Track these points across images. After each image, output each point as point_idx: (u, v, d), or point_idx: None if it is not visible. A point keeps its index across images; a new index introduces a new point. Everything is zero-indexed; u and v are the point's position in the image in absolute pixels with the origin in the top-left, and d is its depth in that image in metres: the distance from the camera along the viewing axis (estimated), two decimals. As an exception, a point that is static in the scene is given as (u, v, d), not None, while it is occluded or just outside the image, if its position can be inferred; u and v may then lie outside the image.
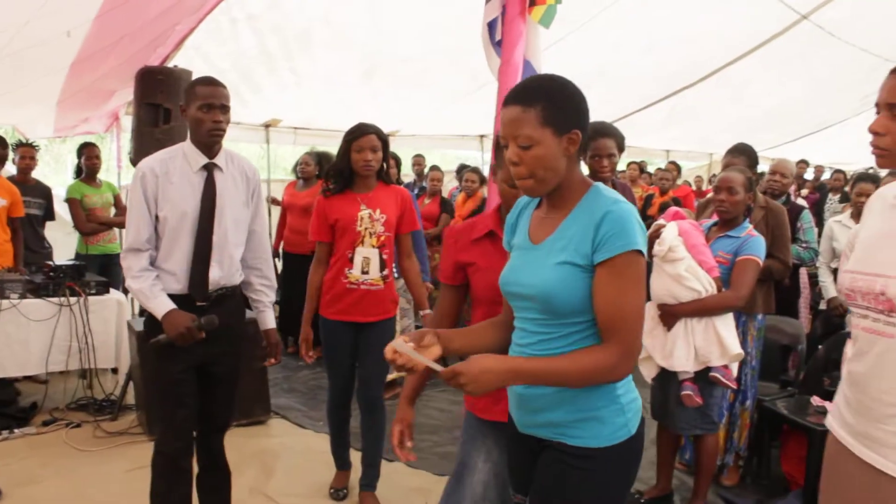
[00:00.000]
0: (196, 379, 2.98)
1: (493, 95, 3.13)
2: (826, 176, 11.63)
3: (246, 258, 3.09)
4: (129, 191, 2.87)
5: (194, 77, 4.86)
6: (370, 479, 3.77)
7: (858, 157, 12.66)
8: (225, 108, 2.80)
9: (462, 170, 7.80)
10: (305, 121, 8.37)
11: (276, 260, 6.97)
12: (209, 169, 2.86)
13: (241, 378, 4.65)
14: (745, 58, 8.59)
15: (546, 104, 1.70)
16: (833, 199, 9.40)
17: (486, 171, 5.97)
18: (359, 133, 3.45)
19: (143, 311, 5.68)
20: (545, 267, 1.77)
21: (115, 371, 5.26)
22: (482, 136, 10.21)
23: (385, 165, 3.58)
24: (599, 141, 3.45)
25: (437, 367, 1.69)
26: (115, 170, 7.26)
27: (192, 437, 3.03)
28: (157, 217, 2.83)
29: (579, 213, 1.77)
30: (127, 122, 6.49)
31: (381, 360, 3.66)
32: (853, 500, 1.80)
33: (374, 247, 3.50)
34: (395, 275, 3.84)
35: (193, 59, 5.52)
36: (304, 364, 6.34)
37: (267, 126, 8.21)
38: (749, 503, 3.79)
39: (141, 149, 4.74)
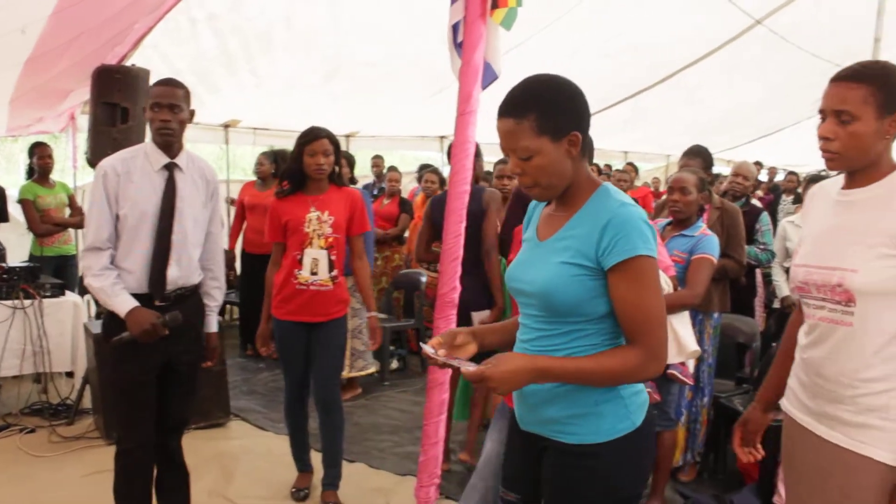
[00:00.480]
0: (156, 379, 2.98)
1: (453, 97, 3.14)
2: (780, 177, 11.86)
3: (200, 259, 3.10)
4: (91, 189, 2.88)
5: (152, 76, 4.86)
6: (332, 478, 3.80)
7: (811, 159, 12.95)
8: (174, 108, 2.83)
9: (423, 170, 7.81)
10: (265, 121, 8.31)
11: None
12: (170, 169, 2.90)
13: (200, 380, 4.68)
14: (702, 62, 8.74)
15: (538, 113, 1.69)
16: (787, 201, 9.60)
17: (446, 172, 5.99)
18: (311, 137, 3.54)
19: (99, 314, 5.63)
20: (547, 265, 1.77)
21: (70, 375, 5.18)
22: (442, 138, 10.22)
23: (337, 168, 3.67)
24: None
25: (467, 368, 1.66)
26: (71, 170, 7.13)
27: (152, 437, 3.00)
28: (116, 216, 2.85)
29: (585, 213, 1.76)
30: (83, 121, 6.39)
31: (334, 360, 3.74)
32: (815, 476, 1.92)
33: (322, 248, 3.57)
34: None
35: (151, 59, 5.44)
36: (263, 366, 6.31)
37: (226, 126, 8.13)
38: (706, 498, 3.85)
39: (98, 148, 4.66)
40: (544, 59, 7.50)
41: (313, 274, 3.56)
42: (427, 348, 1.79)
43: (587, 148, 1.80)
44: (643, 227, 1.69)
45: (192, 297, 3.05)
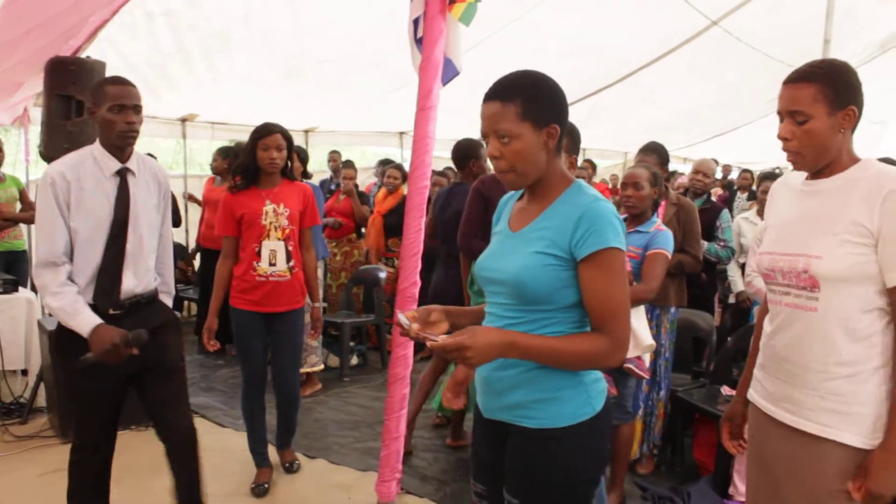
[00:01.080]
0: (122, 389, 2.86)
1: (413, 94, 3.15)
2: (734, 175, 12.07)
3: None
4: (38, 200, 2.67)
5: (107, 70, 4.78)
6: (286, 440, 4.10)
7: (765, 156, 13.23)
8: (138, 109, 2.67)
9: (384, 164, 7.79)
10: (223, 116, 8.22)
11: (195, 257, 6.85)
12: (122, 174, 2.72)
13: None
14: (659, 61, 8.88)
15: (525, 99, 1.75)
16: (741, 198, 9.77)
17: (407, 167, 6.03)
18: (264, 132, 3.64)
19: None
20: (521, 254, 1.82)
21: (24, 373, 5.09)
22: (402, 133, 10.22)
23: (289, 163, 3.79)
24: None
25: (440, 341, 1.68)
26: (23, 164, 6.98)
27: (104, 441, 2.93)
28: (69, 227, 2.67)
29: (559, 206, 1.82)
30: (36, 113, 6.27)
31: (294, 351, 3.80)
32: (785, 464, 1.99)
33: (279, 240, 3.68)
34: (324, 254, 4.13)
35: (107, 53, 5.35)
36: (223, 362, 6.26)
37: (183, 121, 8.03)
38: (663, 490, 3.92)
39: (51, 142, 4.58)
40: (505, 57, 7.51)
41: (272, 265, 3.66)
42: (402, 318, 1.81)
43: (575, 144, 1.85)
44: (615, 222, 1.75)
45: (149, 304, 2.88)
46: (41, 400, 4.83)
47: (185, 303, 7.48)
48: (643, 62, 8.93)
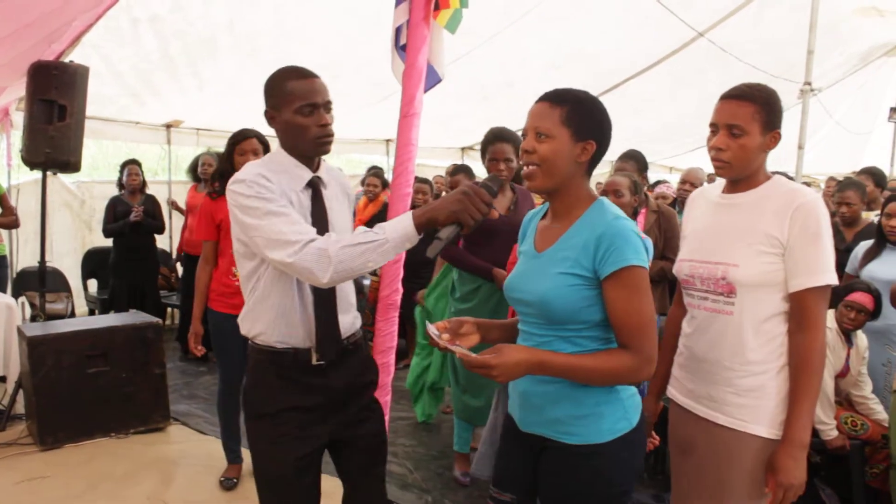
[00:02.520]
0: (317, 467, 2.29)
1: (399, 101, 3.14)
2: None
3: None
4: (246, 201, 2.02)
5: (91, 76, 4.75)
6: None
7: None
8: (329, 106, 2.17)
9: (369, 172, 7.78)
10: (208, 122, 8.20)
11: (178, 264, 6.81)
12: (314, 185, 2.21)
13: (139, 385, 4.60)
14: (646, 72, 8.94)
15: (572, 107, 1.83)
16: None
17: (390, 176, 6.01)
18: (241, 137, 3.68)
19: (34, 317, 5.47)
20: (546, 276, 1.86)
21: (3, 379, 5.03)
22: (388, 141, 10.22)
23: None
24: (497, 145, 3.59)
25: (468, 355, 1.71)
26: (5, 168, 6.93)
27: None
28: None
29: (582, 225, 1.86)
30: (18, 118, 6.21)
31: None
32: (702, 454, 2.17)
33: None
34: None
35: (91, 58, 5.32)
36: (205, 369, 6.22)
37: (168, 126, 7.99)
38: (646, 497, 3.92)
39: (33, 147, 4.56)
40: (492, 68, 7.59)
41: None
42: (431, 329, 1.83)
43: (594, 164, 1.88)
44: (636, 240, 1.79)
45: (360, 350, 2.33)
46: (19, 407, 4.77)
47: (169, 310, 7.42)
48: (629, 73, 8.99)
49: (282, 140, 2.22)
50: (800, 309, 2.01)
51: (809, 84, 6.72)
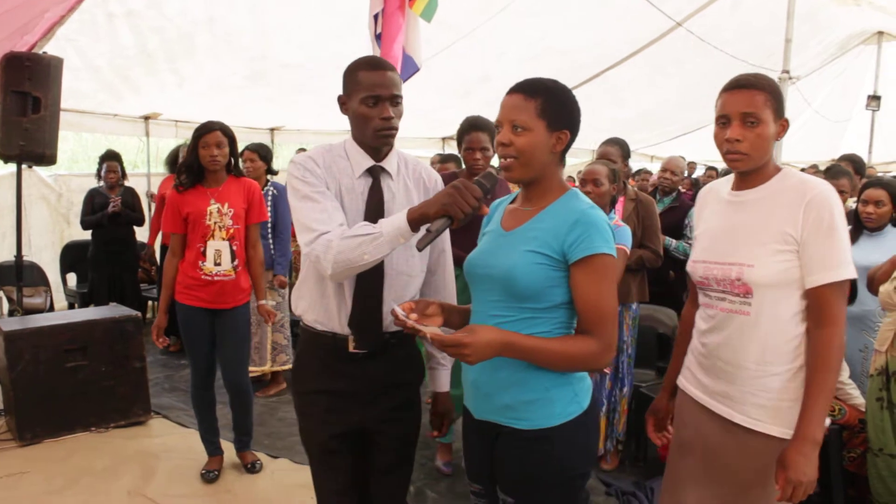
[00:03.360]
0: (351, 451, 2.33)
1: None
2: (699, 172, 12.20)
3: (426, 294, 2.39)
4: (290, 181, 2.16)
5: (66, 71, 4.70)
6: (245, 442, 4.09)
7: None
8: (397, 100, 2.16)
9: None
10: (187, 114, 8.13)
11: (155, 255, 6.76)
12: (374, 173, 2.22)
13: (119, 379, 4.58)
14: (625, 62, 8.95)
15: (546, 99, 1.85)
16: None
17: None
18: (204, 130, 3.70)
19: (12, 311, 5.42)
20: (514, 252, 1.88)
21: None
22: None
23: (233, 159, 3.83)
24: (473, 134, 3.58)
25: (441, 335, 1.71)
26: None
27: None
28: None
29: (554, 210, 1.89)
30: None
31: (240, 346, 3.84)
32: (709, 450, 2.13)
33: (223, 239, 3.74)
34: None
35: (66, 51, 5.27)
36: (185, 363, 6.18)
37: (146, 118, 7.92)
38: (627, 485, 3.94)
39: (7, 140, 4.50)
40: (470, 62, 7.58)
41: (217, 265, 3.72)
42: (398, 310, 1.82)
43: (565, 152, 1.91)
44: (607, 229, 1.83)
45: (403, 346, 2.28)
46: (-2, 402, 4.74)
47: (149, 303, 7.37)
48: (608, 64, 9.01)
49: (351, 126, 2.24)
50: (818, 305, 1.97)
51: (788, 72, 6.75)
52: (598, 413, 2.01)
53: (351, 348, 2.19)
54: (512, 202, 2.06)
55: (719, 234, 2.15)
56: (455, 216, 1.86)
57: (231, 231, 3.75)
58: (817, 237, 1.93)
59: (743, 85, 2.04)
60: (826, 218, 1.92)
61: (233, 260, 3.76)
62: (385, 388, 2.25)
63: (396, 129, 2.17)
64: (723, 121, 2.07)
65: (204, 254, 3.70)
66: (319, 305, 2.21)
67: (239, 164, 3.95)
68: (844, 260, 1.93)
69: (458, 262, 3.62)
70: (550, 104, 1.85)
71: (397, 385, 2.28)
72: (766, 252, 1.99)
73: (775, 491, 1.98)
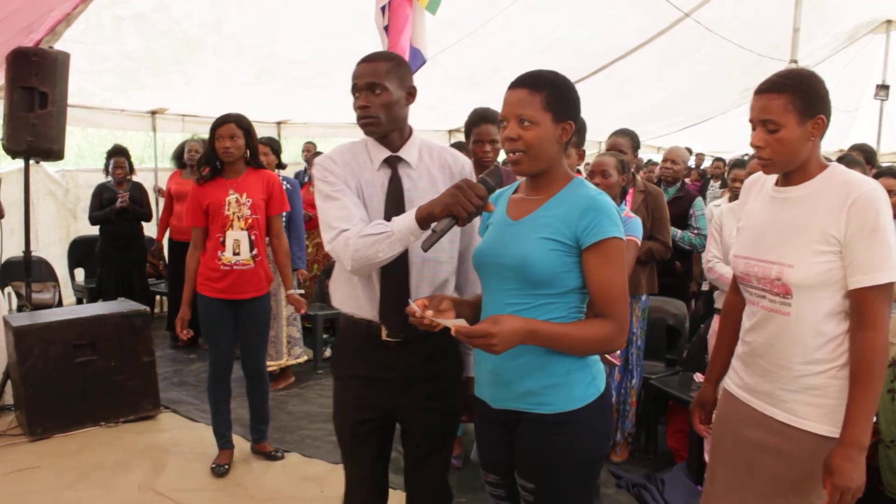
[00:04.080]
0: (380, 440, 2.39)
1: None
2: (706, 163, 12.17)
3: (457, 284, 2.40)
4: (315, 182, 2.24)
5: (72, 67, 4.69)
6: (261, 432, 4.16)
7: (737, 146, 13.35)
8: (373, 87, 2.16)
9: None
10: (194, 109, 8.14)
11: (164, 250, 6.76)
12: (392, 164, 2.25)
13: (128, 373, 4.59)
14: (633, 54, 8.91)
15: (551, 91, 1.87)
16: (714, 186, 9.84)
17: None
18: (219, 122, 3.77)
19: (21, 307, 5.43)
20: (527, 240, 1.89)
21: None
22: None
23: (248, 151, 3.88)
24: (483, 126, 3.57)
25: (467, 327, 1.71)
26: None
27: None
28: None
29: (563, 197, 1.92)
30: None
31: (260, 335, 3.89)
32: (753, 449, 2.10)
33: (242, 229, 3.78)
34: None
35: (73, 54, 5.25)
36: (195, 356, 6.21)
37: (153, 113, 7.92)
38: (637, 477, 3.93)
39: (15, 135, 4.51)
40: (480, 56, 7.57)
41: (235, 254, 3.77)
42: (414, 307, 1.83)
43: (582, 138, 1.92)
44: (615, 214, 1.87)
45: (439, 336, 2.11)
46: (8, 398, 4.75)
47: (157, 297, 7.39)
48: (616, 55, 8.97)
49: None
50: (860, 307, 1.93)
51: (795, 62, 6.71)
52: (611, 397, 2.03)
53: (384, 336, 2.23)
54: (515, 191, 2.07)
55: (761, 230, 2.11)
56: (459, 216, 1.89)
57: (250, 221, 3.80)
58: (861, 239, 1.88)
59: (764, 89, 2.00)
60: (870, 219, 1.88)
61: (251, 249, 3.80)
62: (419, 376, 2.26)
63: (376, 116, 2.18)
64: (752, 126, 2.04)
65: (223, 244, 3.76)
66: (352, 296, 2.27)
67: (258, 156, 4.00)
68: (889, 263, 1.88)
69: None
70: (555, 96, 1.87)
71: (432, 374, 2.28)
72: (807, 252, 1.95)
73: (821, 495, 1.95)
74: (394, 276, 2.20)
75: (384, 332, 2.23)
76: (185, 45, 6.15)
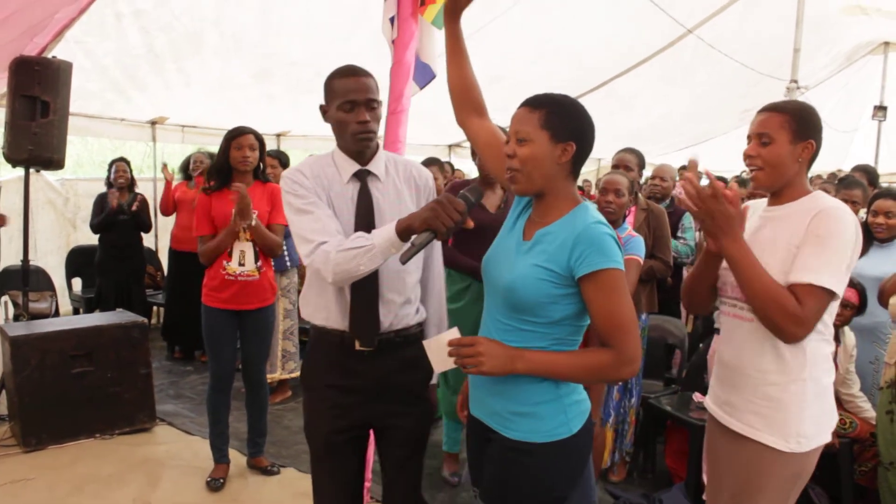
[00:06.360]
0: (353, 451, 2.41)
1: (385, 98, 3.12)
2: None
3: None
4: (284, 205, 2.26)
5: (74, 71, 4.70)
6: (259, 446, 4.14)
7: (737, 166, 13.38)
8: (373, 104, 2.23)
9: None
10: (194, 119, 8.13)
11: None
12: (362, 177, 2.29)
13: (125, 385, 4.56)
14: (633, 70, 8.93)
15: (549, 110, 1.86)
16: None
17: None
18: (237, 133, 3.81)
19: (17, 316, 5.41)
20: (520, 265, 1.89)
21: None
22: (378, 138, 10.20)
23: (262, 165, 3.96)
24: None
25: (458, 336, 1.80)
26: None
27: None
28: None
29: (563, 224, 1.88)
30: (0, 114, 6.14)
31: (263, 345, 3.90)
32: (725, 462, 2.22)
33: (248, 240, 3.78)
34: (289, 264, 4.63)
35: (75, 53, 5.27)
36: (191, 368, 6.18)
37: (153, 123, 7.92)
38: (635, 497, 3.91)
39: (16, 143, 4.50)
40: (477, 64, 7.54)
41: (241, 265, 3.77)
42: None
43: (577, 166, 1.92)
44: (610, 244, 1.81)
45: (411, 345, 2.31)
46: (2, 408, 4.72)
47: (154, 308, 7.36)
48: (616, 70, 8.99)
49: (334, 134, 2.33)
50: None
51: (796, 82, 6.74)
52: (590, 440, 1.98)
53: (357, 346, 2.26)
54: (533, 209, 2.05)
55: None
56: (438, 230, 1.93)
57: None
58: (809, 243, 2.00)
59: (766, 108, 2.17)
60: (823, 229, 1.99)
61: (256, 261, 3.82)
62: (392, 384, 2.31)
63: (374, 132, 2.26)
64: (748, 140, 2.19)
65: (229, 254, 3.76)
66: (324, 307, 2.29)
67: (266, 170, 4.04)
68: (824, 269, 1.96)
69: (472, 272, 3.62)
70: (554, 115, 1.86)
71: (405, 382, 2.33)
72: (775, 262, 2.05)
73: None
74: (364, 288, 2.23)
75: (357, 343, 2.26)
76: (185, 40, 6.12)
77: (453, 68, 2.29)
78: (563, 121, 1.86)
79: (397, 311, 2.29)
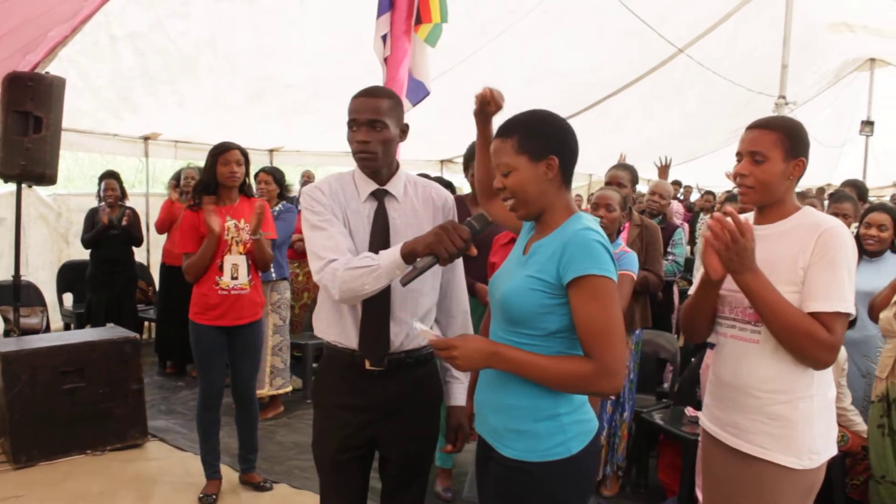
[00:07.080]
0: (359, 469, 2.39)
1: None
2: (694, 196, 12.26)
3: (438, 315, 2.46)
4: (302, 211, 2.28)
5: (68, 90, 4.71)
6: (251, 462, 4.13)
7: (728, 183, 13.48)
8: (374, 124, 2.20)
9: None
10: (186, 134, 8.14)
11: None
12: (379, 197, 2.29)
13: (116, 401, 4.54)
14: (625, 90, 9.00)
15: (520, 134, 1.86)
16: (704, 218, 9.91)
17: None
18: (223, 148, 3.83)
19: (8, 332, 5.38)
20: (515, 277, 1.90)
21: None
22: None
23: (247, 179, 3.97)
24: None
25: (435, 337, 1.85)
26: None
27: None
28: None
29: (555, 235, 1.88)
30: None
31: (253, 360, 3.89)
32: (728, 483, 2.19)
33: (240, 254, 3.83)
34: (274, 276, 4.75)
35: (68, 72, 5.28)
36: (183, 384, 6.15)
37: (146, 139, 7.92)
38: (627, 512, 3.91)
39: (8, 159, 4.50)
40: (470, 86, 7.60)
41: (234, 279, 3.79)
42: (417, 325, 1.92)
43: (567, 176, 1.92)
44: (599, 249, 1.79)
45: (422, 366, 2.34)
46: (-7, 424, 4.68)
47: (145, 323, 7.33)
48: (608, 90, 9.06)
49: None
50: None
51: (784, 98, 6.80)
52: (593, 463, 1.96)
53: (367, 366, 2.25)
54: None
55: None
56: (440, 255, 1.95)
57: (248, 245, 3.83)
58: (818, 268, 1.99)
59: (757, 125, 2.15)
60: (831, 253, 1.99)
61: (248, 274, 3.84)
62: (401, 406, 2.29)
63: (375, 152, 2.21)
64: (738, 157, 2.17)
65: (221, 269, 3.77)
66: (336, 325, 2.29)
67: (252, 185, 4.05)
68: (839, 295, 1.98)
69: (469, 288, 3.63)
70: (526, 137, 1.85)
71: (414, 404, 2.32)
72: (778, 282, 2.02)
73: None
74: (375, 308, 2.22)
75: (367, 362, 2.25)
76: (179, 63, 6.16)
77: (481, 164, 2.34)
78: (538, 139, 1.85)
79: (409, 331, 2.27)
